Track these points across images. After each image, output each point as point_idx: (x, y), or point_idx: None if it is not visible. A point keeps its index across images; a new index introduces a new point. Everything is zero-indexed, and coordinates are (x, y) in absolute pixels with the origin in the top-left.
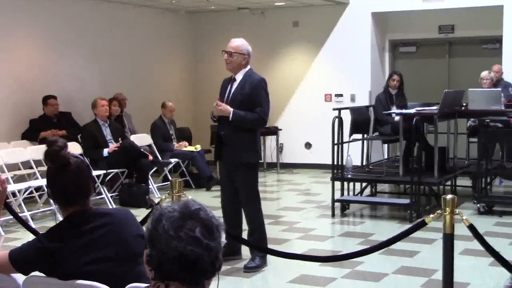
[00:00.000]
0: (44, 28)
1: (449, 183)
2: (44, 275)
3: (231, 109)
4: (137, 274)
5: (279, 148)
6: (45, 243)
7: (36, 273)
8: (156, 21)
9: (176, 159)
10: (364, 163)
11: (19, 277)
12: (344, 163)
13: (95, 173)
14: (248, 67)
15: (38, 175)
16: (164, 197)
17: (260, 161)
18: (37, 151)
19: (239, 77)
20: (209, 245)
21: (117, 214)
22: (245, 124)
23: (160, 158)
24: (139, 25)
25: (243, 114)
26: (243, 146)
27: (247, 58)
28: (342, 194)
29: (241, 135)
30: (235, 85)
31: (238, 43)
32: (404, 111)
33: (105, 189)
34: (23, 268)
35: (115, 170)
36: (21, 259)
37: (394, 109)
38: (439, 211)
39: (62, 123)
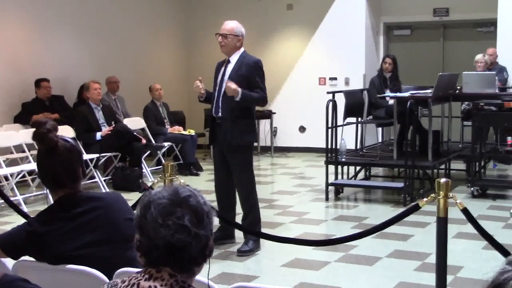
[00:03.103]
0: (36, 10)
1: (443, 166)
2: (34, 260)
3: (240, 89)
4: (128, 259)
5: (273, 132)
6: (34, 226)
7: (26, 257)
8: (149, 3)
9: (169, 143)
10: (358, 147)
11: (9, 262)
12: (338, 147)
13: (88, 156)
14: (242, 49)
15: (30, 158)
16: (156, 180)
17: (255, 144)
18: (30, 135)
19: (233, 59)
20: (198, 233)
21: (108, 198)
22: (251, 103)
23: (153, 142)
24: (133, 8)
25: (249, 94)
26: (240, 127)
27: (241, 39)
28: (336, 178)
29: (238, 116)
30: (230, 67)
31: (232, 25)
32: (398, 94)
33: (98, 173)
34: (13, 253)
35: (108, 154)
36: (11, 244)
37: (388, 93)
38: (433, 195)
39: (55, 107)
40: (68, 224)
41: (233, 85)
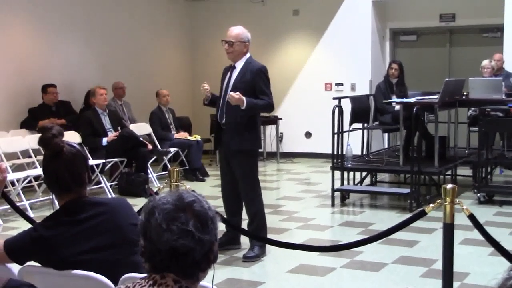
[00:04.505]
0: (42, 16)
1: (449, 172)
2: (40, 265)
3: (244, 98)
4: (133, 263)
5: (279, 137)
6: (40, 231)
7: (32, 262)
8: (155, 9)
9: (175, 148)
10: (364, 153)
11: (14, 267)
12: (344, 153)
13: (94, 162)
14: (248, 54)
15: (37, 164)
16: (162, 186)
17: (260, 150)
18: (36, 140)
19: (239, 65)
20: (202, 238)
21: (113, 203)
22: (256, 111)
23: (159, 147)
24: (139, 13)
25: (254, 102)
26: (244, 133)
27: (247, 45)
28: (342, 184)
29: (242, 122)
30: (235, 73)
31: (238, 31)
32: (404, 100)
33: (104, 178)
34: (18, 258)
35: (114, 159)
36: (16, 249)
37: (395, 98)
38: (439, 201)
39: (61, 112)
40: (73, 229)
41: (236, 95)
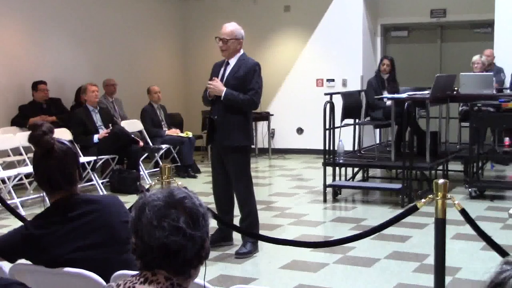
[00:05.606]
0: (32, 12)
1: (441, 167)
2: (31, 263)
3: (224, 88)
4: (125, 261)
5: (271, 134)
6: (31, 229)
7: (23, 261)
8: (147, 6)
9: (167, 145)
10: (356, 148)
11: (5, 265)
12: (335, 148)
13: (85, 159)
14: (242, 51)
15: (27, 161)
16: (153, 183)
17: (252, 146)
18: (27, 138)
19: (233, 61)
20: (193, 235)
21: (104, 201)
22: (236, 104)
23: (151, 144)
24: (130, 10)
25: (235, 94)
26: (235, 129)
27: (241, 42)
28: (334, 179)
29: (233, 118)
30: (229, 69)
31: (232, 28)
32: (395, 95)
33: (95, 175)
34: (9, 256)
35: (106, 156)
36: (7, 247)
37: (386, 94)
38: (430, 196)
39: (52, 109)
40: (64, 227)
41: (215, 82)
